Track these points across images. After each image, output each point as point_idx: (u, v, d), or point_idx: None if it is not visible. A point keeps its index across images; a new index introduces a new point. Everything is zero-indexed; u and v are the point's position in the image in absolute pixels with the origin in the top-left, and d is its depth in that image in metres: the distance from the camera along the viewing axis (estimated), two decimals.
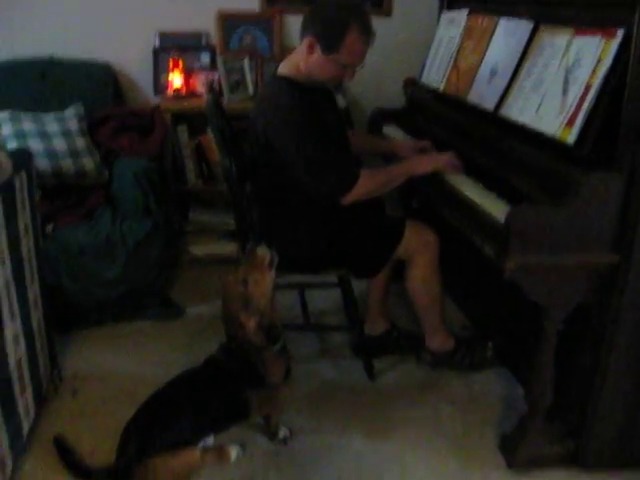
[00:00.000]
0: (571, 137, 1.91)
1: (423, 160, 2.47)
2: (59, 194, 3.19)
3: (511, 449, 2.21)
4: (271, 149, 2.30)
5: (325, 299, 3.26)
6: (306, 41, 2.27)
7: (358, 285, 2.66)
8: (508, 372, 2.71)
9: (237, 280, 2.05)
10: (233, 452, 2.23)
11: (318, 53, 2.26)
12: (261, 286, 2.07)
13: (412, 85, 3.35)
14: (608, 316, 1.95)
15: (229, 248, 3.66)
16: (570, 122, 1.94)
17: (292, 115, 2.25)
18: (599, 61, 1.90)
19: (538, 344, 2.05)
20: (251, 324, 2.03)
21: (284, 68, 2.39)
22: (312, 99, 2.34)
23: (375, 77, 3.76)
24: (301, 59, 2.32)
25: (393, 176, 2.42)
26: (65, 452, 2.16)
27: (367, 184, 2.32)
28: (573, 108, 1.94)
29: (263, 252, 2.09)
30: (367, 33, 2.25)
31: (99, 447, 2.25)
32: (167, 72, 3.69)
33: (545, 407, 2.13)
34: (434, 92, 3.01)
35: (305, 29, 2.30)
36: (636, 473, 2.19)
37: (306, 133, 2.24)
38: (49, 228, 2.93)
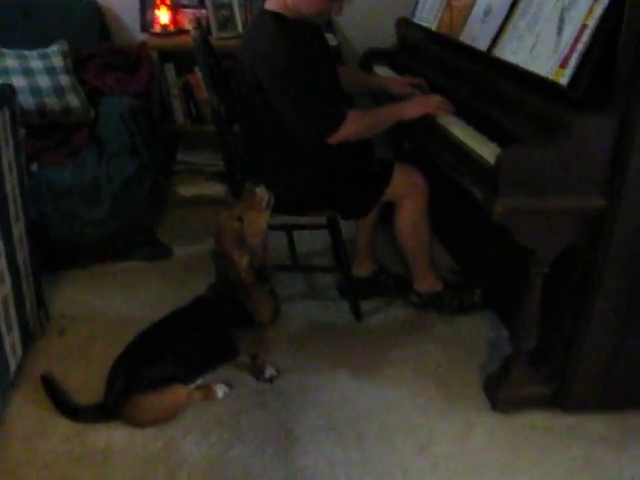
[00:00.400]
0: (564, 78, 1.88)
1: (414, 103, 2.44)
2: (44, 132, 3.14)
3: (494, 390, 2.23)
4: (258, 86, 2.26)
5: (313, 240, 3.26)
6: None
7: (346, 226, 2.65)
8: (494, 315, 2.73)
9: (233, 217, 2.05)
10: (220, 390, 2.25)
11: None
12: (256, 225, 2.07)
13: (404, 25, 3.28)
14: (595, 260, 1.95)
15: (217, 189, 3.63)
16: (564, 63, 1.90)
17: (279, 50, 2.21)
18: (596, 1, 1.86)
19: (524, 287, 2.06)
20: (243, 262, 2.03)
21: (271, 3, 2.33)
22: (299, 34, 2.31)
23: (367, 16, 3.70)
24: None
25: (382, 118, 2.40)
26: (53, 390, 2.18)
27: (355, 124, 2.29)
28: (567, 48, 1.91)
29: (262, 192, 2.09)
30: None
31: (87, 385, 2.26)
32: (154, 8, 3.60)
33: (529, 349, 2.15)
34: (426, 32, 2.95)
35: None
36: (616, 415, 2.22)
37: (293, 68, 2.20)
38: (34, 167, 2.90)
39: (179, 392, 2.10)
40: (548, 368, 2.22)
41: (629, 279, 1.98)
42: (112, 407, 2.07)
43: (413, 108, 2.40)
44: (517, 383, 2.20)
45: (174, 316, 2.19)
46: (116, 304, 2.80)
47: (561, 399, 2.21)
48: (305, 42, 2.34)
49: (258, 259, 2.08)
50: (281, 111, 2.27)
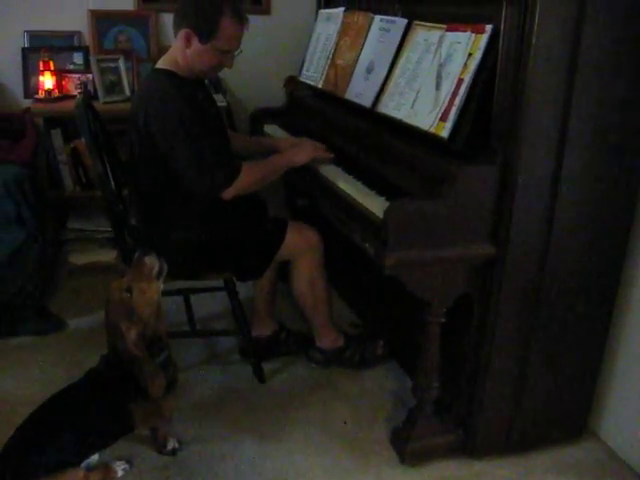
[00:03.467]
0: (445, 131, 1.94)
1: (302, 149, 2.50)
2: None
3: (402, 443, 2.22)
4: (152, 143, 2.24)
5: (211, 303, 3.19)
6: (182, 34, 2.25)
7: (244, 287, 2.62)
8: (398, 366, 2.73)
9: (121, 288, 1.96)
10: (119, 469, 2.14)
11: (195, 43, 2.25)
12: (147, 296, 1.99)
13: (292, 83, 3.33)
14: (488, 307, 1.98)
15: (111, 256, 3.53)
16: (444, 117, 1.96)
17: (173, 105, 2.21)
18: (470, 55, 1.93)
19: (422, 337, 2.07)
20: (131, 334, 1.94)
21: (163, 63, 2.35)
22: (191, 91, 2.32)
23: (256, 76, 3.73)
24: (179, 53, 2.30)
25: (273, 167, 2.44)
26: None
27: (249, 176, 2.30)
28: (446, 103, 1.97)
29: (151, 261, 2.01)
30: (240, 15, 2.26)
31: None
32: (38, 74, 3.51)
33: (432, 399, 2.16)
34: (314, 89, 3.00)
35: (179, 23, 2.28)
36: (522, 457, 2.26)
37: (187, 123, 2.20)
38: None
39: (74, 476, 1.97)
40: (453, 417, 2.23)
41: (523, 322, 2.03)
42: None
43: (301, 154, 2.47)
44: (423, 434, 2.20)
45: (64, 393, 2.06)
46: (5, 384, 2.63)
47: (468, 447, 2.22)
48: (197, 99, 2.36)
49: (151, 330, 2.00)
50: (176, 168, 2.24)
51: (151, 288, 2.00)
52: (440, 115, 1.98)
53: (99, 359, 2.11)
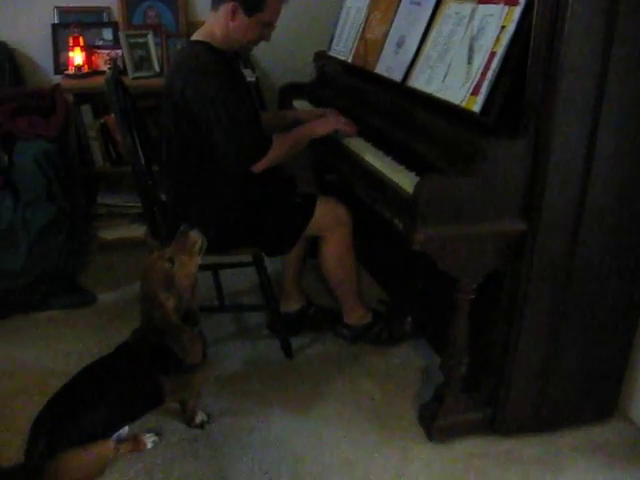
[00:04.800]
0: (477, 106, 1.91)
1: (323, 121, 2.53)
2: None
3: (429, 420, 2.22)
4: (187, 115, 2.25)
5: (240, 279, 3.20)
6: (226, 7, 2.26)
7: (273, 263, 2.62)
8: (426, 343, 2.73)
9: (163, 258, 2.00)
10: (149, 441, 2.17)
11: (241, 16, 2.26)
12: (186, 269, 2.02)
13: (322, 58, 3.30)
14: (519, 284, 1.96)
15: (140, 232, 3.55)
16: (475, 91, 1.93)
17: (212, 77, 2.22)
18: (502, 28, 1.90)
19: (451, 314, 2.06)
20: (169, 304, 1.97)
21: (199, 35, 2.36)
22: (228, 64, 2.35)
23: (285, 51, 3.71)
24: (218, 26, 2.31)
25: (298, 138, 2.44)
26: None
27: (278, 148, 2.32)
28: (478, 77, 1.94)
29: (195, 236, 2.05)
30: None
31: (8, 445, 2.15)
32: (67, 50, 3.53)
33: (461, 376, 2.15)
34: (343, 64, 2.97)
35: None
36: (551, 436, 2.24)
37: (224, 94, 2.22)
38: None
39: (105, 447, 2.00)
40: (481, 394, 2.22)
41: (553, 299, 2.00)
42: (35, 467, 1.96)
43: (324, 124, 2.49)
44: (451, 411, 2.19)
45: (97, 366, 2.10)
46: (38, 357, 2.68)
47: (496, 424, 2.21)
48: (233, 72, 2.38)
49: (186, 303, 2.02)
50: (211, 139, 2.25)
51: (191, 262, 2.04)
52: (472, 89, 1.95)
53: (131, 332, 2.13)
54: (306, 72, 3.49)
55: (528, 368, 2.11)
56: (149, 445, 2.17)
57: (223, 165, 2.32)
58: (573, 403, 2.24)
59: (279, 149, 2.33)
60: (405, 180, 1.98)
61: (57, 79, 3.54)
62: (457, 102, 2.00)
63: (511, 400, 2.15)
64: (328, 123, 2.49)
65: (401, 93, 2.37)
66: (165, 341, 2.03)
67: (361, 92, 2.74)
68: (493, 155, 1.78)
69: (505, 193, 1.83)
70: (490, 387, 2.19)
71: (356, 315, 2.69)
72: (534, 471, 2.10)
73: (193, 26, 2.47)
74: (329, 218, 2.46)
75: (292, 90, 3.28)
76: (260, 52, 3.69)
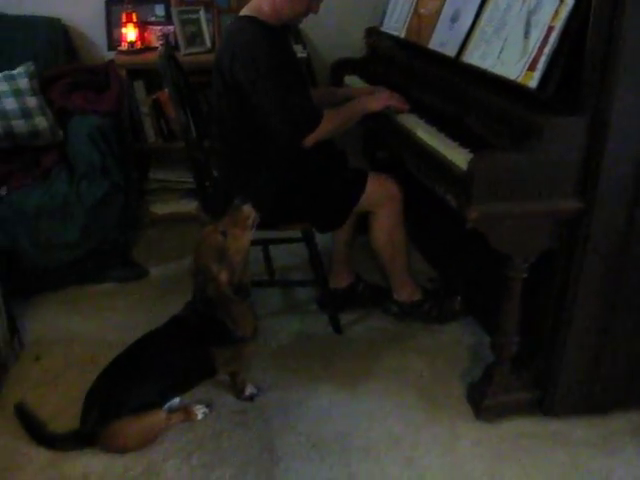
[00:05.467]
0: (533, 81, 1.87)
1: (376, 97, 2.50)
2: (12, 156, 3.08)
3: (478, 398, 2.21)
4: (237, 90, 2.26)
5: (289, 254, 3.22)
6: None
7: (323, 238, 2.63)
8: (475, 322, 2.71)
9: (216, 231, 2.03)
10: (199, 412, 2.21)
11: None
12: (239, 242, 2.05)
13: (374, 34, 3.27)
14: (573, 263, 1.93)
15: (191, 207, 3.59)
16: (532, 66, 1.89)
17: (260, 51, 2.23)
18: (561, 2, 1.85)
19: (503, 293, 2.04)
20: (222, 276, 2.00)
21: (247, 10, 2.37)
22: (277, 38, 2.34)
23: (336, 27, 3.69)
24: (265, 1, 2.31)
25: (349, 114, 2.43)
26: (27, 419, 2.12)
27: (329, 123, 2.32)
28: (535, 52, 1.90)
29: (249, 210, 2.08)
30: None
31: (63, 412, 2.20)
32: (120, 26, 3.57)
33: (511, 355, 2.13)
34: (395, 40, 2.94)
35: None
36: (601, 418, 2.21)
37: (274, 69, 2.22)
38: (3, 191, 2.84)
39: (157, 416, 2.05)
40: (531, 374, 2.20)
41: (608, 280, 1.97)
42: (89, 434, 2.02)
43: (376, 101, 2.46)
44: (500, 390, 2.18)
45: (149, 337, 2.14)
46: (92, 328, 2.74)
47: (545, 405, 2.19)
48: (282, 46, 2.38)
49: (238, 277, 2.05)
50: (261, 114, 2.26)
51: (244, 236, 2.07)
52: (528, 64, 1.91)
53: (183, 306, 2.17)
54: (357, 48, 3.45)
55: (579, 349, 2.08)
56: (199, 416, 2.21)
57: (273, 140, 2.32)
58: (625, 385, 2.20)
59: (330, 124, 2.32)
60: (459, 157, 1.96)
61: (110, 55, 3.58)
62: (513, 77, 1.96)
63: (561, 381, 2.13)
64: (381, 99, 2.47)
65: (455, 69, 2.34)
66: (217, 314, 2.06)
67: (414, 68, 2.70)
68: (550, 132, 1.75)
69: (561, 170, 1.80)
70: (540, 368, 2.17)
71: (406, 292, 2.68)
72: (583, 453, 2.08)
73: (244, 2, 2.47)
74: (380, 194, 2.45)
75: (343, 66, 3.25)
76: (311, 28, 3.70)
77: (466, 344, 2.60)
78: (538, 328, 2.14)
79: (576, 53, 1.78)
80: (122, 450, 2.05)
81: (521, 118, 1.89)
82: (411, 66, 2.73)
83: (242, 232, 2.06)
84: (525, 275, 1.98)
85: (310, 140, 2.29)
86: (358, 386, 2.38)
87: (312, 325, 2.74)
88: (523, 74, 1.92)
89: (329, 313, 2.68)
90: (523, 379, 2.20)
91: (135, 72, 3.53)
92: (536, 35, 1.91)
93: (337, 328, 2.67)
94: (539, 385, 2.19)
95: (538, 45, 1.89)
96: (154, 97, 3.56)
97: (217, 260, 2.00)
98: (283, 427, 2.18)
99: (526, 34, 1.96)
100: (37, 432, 2.09)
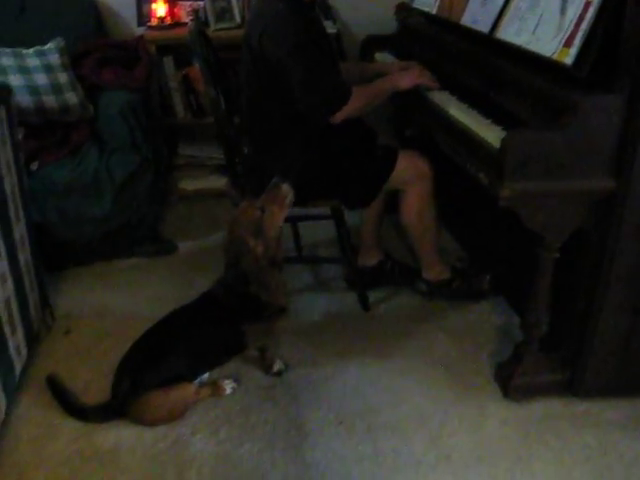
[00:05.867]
0: (569, 58, 1.84)
1: (407, 74, 2.47)
2: (43, 131, 3.09)
3: (506, 378, 2.20)
4: (266, 65, 2.25)
5: (318, 232, 3.22)
6: None
7: (351, 216, 2.62)
8: (504, 302, 2.70)
9: (254, 206, 2.05)
10: (228, 387, 2.23)
11: None
12: (275, 219, 2.09)
13: (404, 10, 3.24)
14: (606, 243, 1.91)
15: (221, 182, 3.59)
16: (568, 42, 1.86)
17: (289, 26, 2.22)
18: None
19: (535, 272, 2.02)
20: (259, 249, 2.02)
21: None
22: (305, 13, 2.32)
23: (366, 3, 3.65)
24: None
25: (379, 90, 2.41)
26: (59, 391, 2.16)
27: (358, 100, 2.30)
28: (571, 28, 1.86)
29: (287, 189, 2.11)
30: None
31: (94, 385, 2.24)
32: (150, 2, 3.56)
33: (541, 335, 2.12)
34: (426, 16, 2.91)
35: None
36: (631, 400, 2.19)
37: (303, 44, 2.21)
38: (34, 166, 2.87)
39: (187, 390, 2.08)
40: (560, 354, 2.19)
41: None
42: (120, 406, 2.05)
43: (407, 78, 2.44)
44: (529, 370, 2.17)
45: (181, 312, 2.16)
46: (121, 301, 2.78)
47: (574, 386, 2.18)
48: (311, 21, 2.35)
49: (272, 251, 2.07)
50: (289, 90, 2.25)
51: (280, 213, 2.10)
52: (564, 41, 1.87)
53: (215, 282, 2.18)
54: (388, 24, 3.41)
55: (610, 330, 2.06)
56: (228, 391, 2.23)
57: (302, 116, 2.31)
58: None
59: (359, 100, 2.31)
60: (491, 134, 1.94)
61: (140, 31, 3.58)
62: (548, 54, 1.93)
63: (591, 362, 2.11)
64: (412, 77, 2.44)
65: (488, 45, 2.30)
66: (250, 288, 2.06)
67: (445, 44, 2.67)
68: (585, 110, 1.72)
69: (596, 149, 1.77)
70: (570, 348, 2.15)
71: (435, 270, 2.67)
72: (612, 435, 2.06)
73: None
74: (411, 171, 2.43)
75: (374, 43, 3.23)
76: (341, 4, 3.67)
77: (495, 324, 2.59)
78: (569, 308, 2.12)
79: (614, 30, 1.74)
80: (152, 423, 2.07)
81: (556, 95, 1.86)
82: (443, 42, 2.70)
83: (279, 209, 2.09)
84: (557, 255, 1.96)
85: (339, 116, 2.28)
86: (386, 364, 2.38)
87: (340, 303, 2.75)
88: (559, 51, 1.88)
89: (357, 291, 2.69)
90: (552, 359, 2.19)
91: (164, 48, 3.53)
92: (573, 11, 1.87)
93: (365, 306, 2.67)
94: (568, 366, 2.17)
95: (575, 21, 1.85)
96: (183, 73, 3.57)
97: (254, 234, 2.02)
98: (311, 403, 2.20)
99: (562, 10, 1.92)
100: (68, 404, 2.13)
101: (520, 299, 2.50)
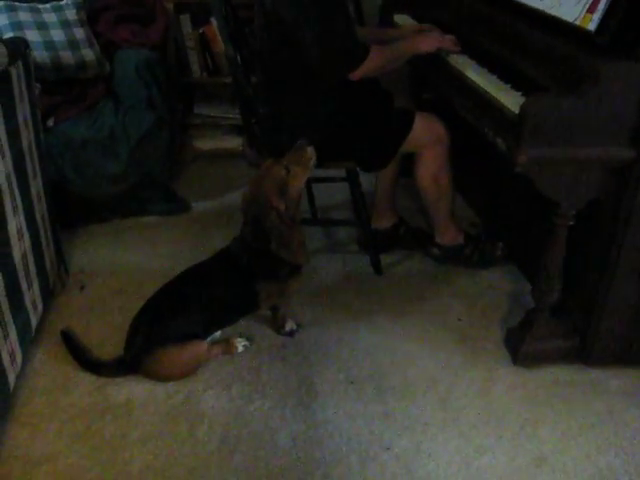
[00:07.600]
0: (592, 24, 1.82)
1: (427, 37, 2.44)
2: (59, 88, 3.10)
3: (516, 343, 2.21)
4: (280, 25, 2.22)
5: (332, 194, 3.22)
6: None
7: (366, 179, 2.62)
8: (516, 269, 2.70)
9: (280, 165, 2.06)
10: (240, 345, 2.25)
11: None
12: (297, 181, 2.10)
13: None
14: (620, 213, 1.91)
15: (235, 142, 3.60)
16: (592, 8, 1.84)
17: None
18: None
19: (547, 240, 2.02)
20: (282, 207, 2.04)
21: None
22: None
23: None
24: None
25: (400, 52, 2.38)
26: (73, 345, 2.19)
27: (376, 59, 2.26)
28: None
29: (311, 152, 2.13)
30: None
31: (108, 340, 2.27)
32: None
33: (552, 303, 2.13)
34: None
35: None
36: (638, 370, 2.20)
37: (317, 2, 2.17)
38: (50, 122, 2.88)
39: (199, 347, 2.10)
40: (570, 322, 2.20)
41: None
42: (133, 362, 2.07)
43: (428, 41, 2.41)
44: (539, 337, 2.18)
45: (196, 269, 2.18)
46: (135, 258, 2.80)
47: (583, 353, 2.19)
48: None
49: (291, 213, 2.08)
50: (305, 48, 2.22)
51: (303, 175, 2.12)
52: (588, 6, 1.85)
53: (232, 240, 2.19)
54: None
55: (622, 299, 2.06)
56: (240, 349, 2.25)
57: (318, 76, 2.29)
58: None
59: (378, 59, 2.27)
60: (510, 99, 1.92)
61: None
62: (570, 20, 1.91)
63: (601, 330, 2.12)
64: (432, 40, 2.41)
65: (509, 9, 2.28)
66: (270, 246, 2.07)
67: (466, 7, 2.64)
68: (607, 77, 1.70)
69: (616, 117, 1.76)
70: (581, 316, 2.16)
71: (448, 235, 2.68)
72: (619, 403, 2.08)
73: None
74: (427, 134, 2.42)
75: (393, 4, 3.18)
76: None
77: (506, 290, 2.60)
78: (580, 276, 2.13)
79: None
80: (164, 378, 2.10)
81: (577, 62, 1.84)
82: (462, 5, 2.67)
83: (303, 171, 2.11)
84: (571, 222, 1.95)
85: (357, 74, 2.25)
86: (396, 327, 2.40)
87: (353, 265, 2.76)
88: (582, 16, 1.87)
89: (370, 254, 2.69)
90: (563, 327, 2.20)
91: (181, 5, 3.51)
92: None
93: (378, 269, 2.68)
94: (578, 333, 2.18)
95: None
96: (200, 31, 3.54)
97: (277, 193, 2.04)
98: (321, 363, 2.22)
99: None
100: (82, 358, 2.16)
101: (532, 266, 2.50)
